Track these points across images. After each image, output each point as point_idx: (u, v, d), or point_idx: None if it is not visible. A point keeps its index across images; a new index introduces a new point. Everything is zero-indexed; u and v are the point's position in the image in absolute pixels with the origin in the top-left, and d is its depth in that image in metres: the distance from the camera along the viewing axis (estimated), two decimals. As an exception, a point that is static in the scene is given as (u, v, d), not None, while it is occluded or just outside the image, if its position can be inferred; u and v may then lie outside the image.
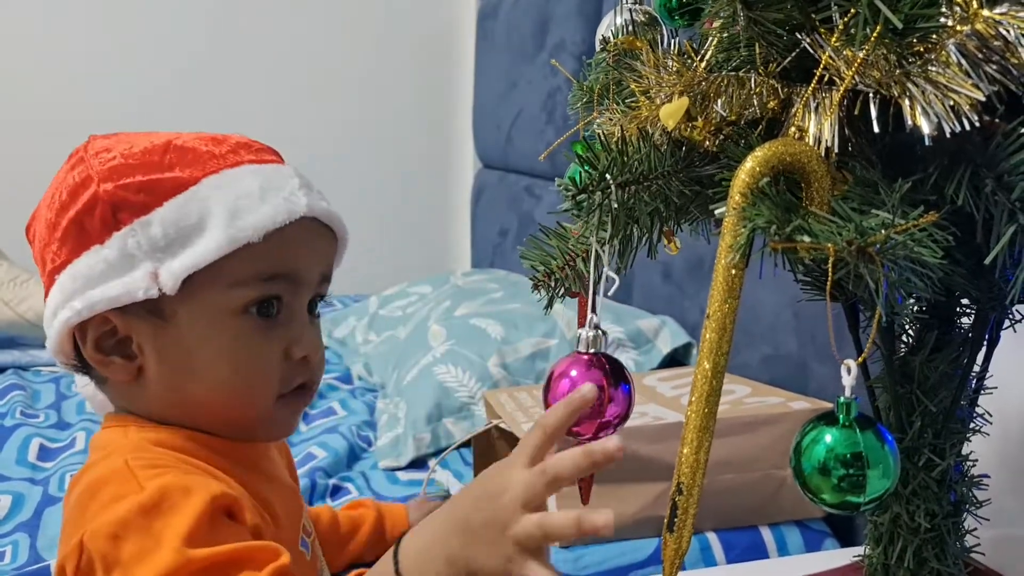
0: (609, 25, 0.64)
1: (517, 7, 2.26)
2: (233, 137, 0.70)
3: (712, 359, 0.45)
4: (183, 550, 0.57)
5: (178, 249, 0.63)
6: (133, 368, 0.66)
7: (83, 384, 0.72)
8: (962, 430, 0.61)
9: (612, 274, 0.61)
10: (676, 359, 1.49)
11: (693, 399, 0.46)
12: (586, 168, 0.55)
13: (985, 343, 0.62)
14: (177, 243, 0.63)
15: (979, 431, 0.63)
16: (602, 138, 0.58)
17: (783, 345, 1.28)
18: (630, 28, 0.63)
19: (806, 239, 0.41)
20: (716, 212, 0.45)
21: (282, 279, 0.66)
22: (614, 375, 0.56)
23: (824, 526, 1.12)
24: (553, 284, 0.61)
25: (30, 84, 2.27)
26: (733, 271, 0.44)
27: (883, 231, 0.40)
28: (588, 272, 0.61)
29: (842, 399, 0.45)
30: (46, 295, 0.68)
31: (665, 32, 0.64)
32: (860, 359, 0.44)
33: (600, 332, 0.58)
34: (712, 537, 1.08)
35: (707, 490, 1.10)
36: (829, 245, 0.40)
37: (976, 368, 0.62)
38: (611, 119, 0.59)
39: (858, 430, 0.44)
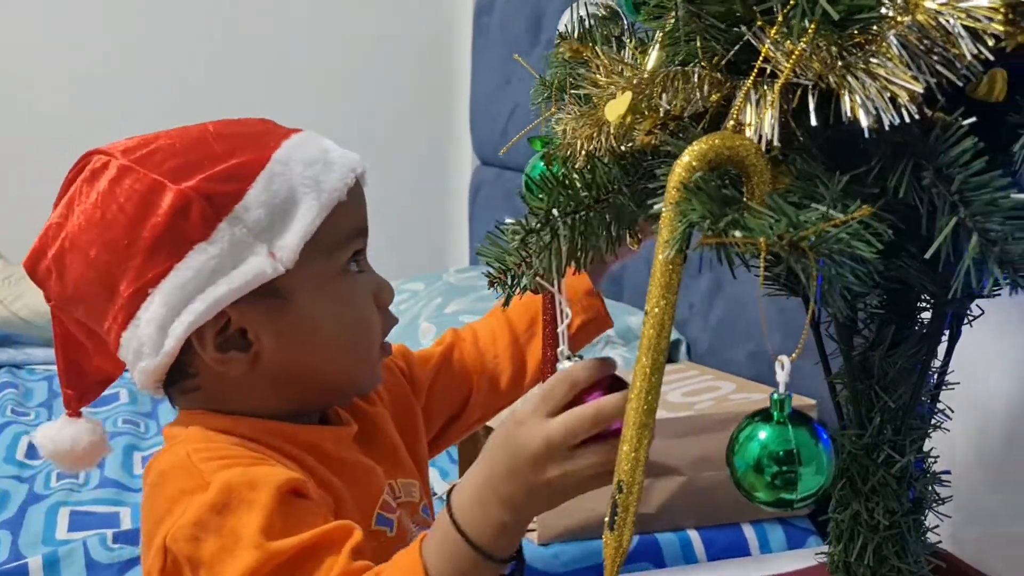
0: (568, 21, 0.64)
1: (511, 2, 2.26)
2: (251, 119, 0.71)
3: (651, 356, 0.45)
4: (263, 545, 0.58)
5: (280, 226, 0.64)
6: (249, 359, 0.67)
7: (56, 433, 0.73)
8: (922, 426, 0.61)
9: (567, 308, 0.64)
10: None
11: (632, 396, 0.46)
12: (534, 204, 0.56)
13: (946, 339, 0.61)
14: (278, 220, 0.64)
15: (940, 427, 0.62)
16: (543, 177, 0.59)
17: (764, 342, 1.27)
18: (588, 23, 0.62)
19: (738, 234, 0.40)
20: (654, 207, 0.45)
21: (362, 233, 0.70)
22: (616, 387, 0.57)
23: (808, 523, 1.12)
24: (510, 282, 0.61)
25: (26, 87, 2.28)
26: (671, 266, 0.44)
27: (816, 225, 0.40)
28: (551, 280, 0.61)
29: (776, 396, 0.45)
30: (128, 317, 0.64)
31: (626, 25, 0.64)
32: (793, 356, 0.43)
33: (577, 359, 0.60)
34: (693, 535, 1.08)
35: (688, 487, 1.11)
36: (761, 239, 0.40)
37: (938, 363, 0.62)
38: (567, 117, 0.59)
39: (791, 427, 0.44)
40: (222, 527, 0.59)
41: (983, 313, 0.60)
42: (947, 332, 0.61)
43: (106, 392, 1.60)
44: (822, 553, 0.67)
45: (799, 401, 1.12)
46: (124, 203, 0.64)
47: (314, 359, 0.68)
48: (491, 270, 0.61)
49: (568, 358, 0.60)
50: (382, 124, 2.55)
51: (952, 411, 0.63)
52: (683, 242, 0.43)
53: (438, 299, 1.72)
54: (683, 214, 0.42)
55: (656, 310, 0.44)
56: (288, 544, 0.59)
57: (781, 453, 0.44)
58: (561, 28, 0.63)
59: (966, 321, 0.61)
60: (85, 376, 0.75)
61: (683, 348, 1.47)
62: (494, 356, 0.87)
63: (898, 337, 0.60)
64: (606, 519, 0.49)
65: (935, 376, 0.62)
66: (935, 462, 0.62)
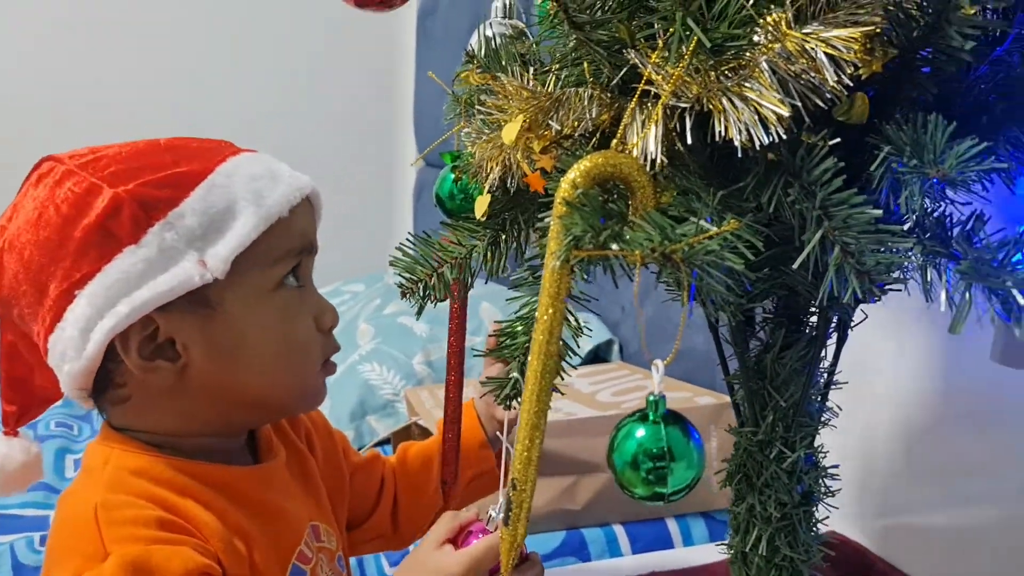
0: (477, 40, 0.66)
1: (454, 5, 2.28)
2: (208, 139, 0.71)
3: (540, 359, 0.47)
4: None
5: (215, 235, 0.64)
6: (177, 369, 0.66)
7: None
8: (811, 423, 0.65)
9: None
10: (599, 355, 1.52)
11: (524, 398, 0.48)
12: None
13: (834, 342, 0.65)
14: (212, 230, 0.64)
15: (828, 424, 0.66)
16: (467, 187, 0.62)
17: (690, 340, 1.31)
18: (495, 43, 0.65)
19: (615, 246, 0.43)
20: (543, 220, 0.47)
21: (304, 252, 0.69)
22: None
23: (728, 516, 1.16)
24: (422, 291, 0.63)
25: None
26: (558, 276, 0.46)
27: (687, 238, 0.43)
28: (462, 276, 0.63)
29: (650, 398, 0.48)
30: (55, 319, 0.64)
31: (533, 44, 0.66)
32: (668, 360, 0.46)
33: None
34: (619, 530, 1.11)
35: (612, 484, 1.13)
36: (636, 252, 0.43)
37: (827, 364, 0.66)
38: (473, 137, 0.61)
39: (664, 426, 0.47)
40: None
41: (866, 317, 0.64)
42: (835, 335, 0.65)
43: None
44: (723, 544, 0.70)
45: (718, 399, 1.17)
46: (60, 204, 0.64)
47: (244, 373, 0.68)
48: (403, 280, 0.63)
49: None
50: (327, 126, 2.56)
51: (840, 409, 0.67)
52: (568, 253, 0.45)
53: (377, 300, 1.73)
54: (567, 228, 0.44)
55: (545, 317, 0.47)
56: None
57: (655, 450, 0.47)
58: (469, 47, 0.65)
59: (852, 325, 0.65)
60: (30, 393, 0.73)
61: (616, 348, 1.51)
62: (423, 472, 0.88)
63: (789, 340, 0.64)
64: (501, 515, 0.52)
65: (824, 376, 0.66)
66: (825, 457, 0.66)
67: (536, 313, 0.47)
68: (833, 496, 0.67)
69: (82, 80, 2.33)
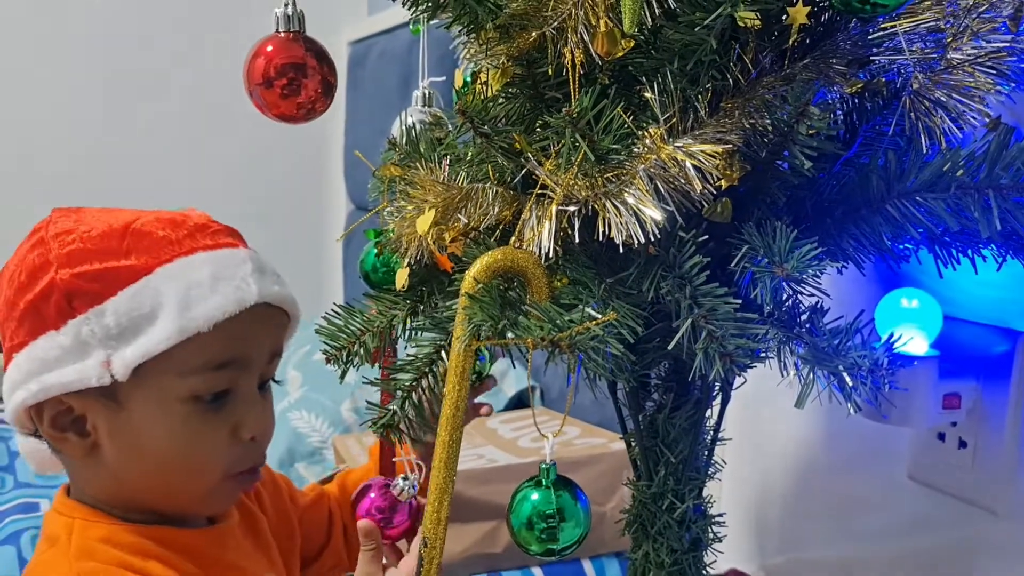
0: (399, 128, 0.73)
1: (382, 59, 2.35)
2: (193, 217, 0.71)
3: (448, 431, 0.53)
4: None
5: (130, 337, 0.64)
6: (87, 445, 0.68)
7: (24, 442, 0.73)
8: (698, 476, 0.72)
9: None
10: (522, 400, 1.58)
11: (435, 464, 0.54)
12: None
13: (719, 402, 0.73)
14: (129, 332, 0.64)
15: (714, 477, 0.73)
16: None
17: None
18: (415, 132, 0.71)
19: (510, 335, 0.50)
20: (450, 308, 0.54)
21: (232, 366, 0.68)
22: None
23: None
24: (344, 357, 0.69)
25: None
26: (462, 357, 0.53)
27: (574, 325, 0.50)
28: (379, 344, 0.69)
29: (543, 465, 0.54)
30: (4, 369, 0.68)
31: (449, 129, 0.73)
32: (556, 433, 0.53)
33: (410, 486, 0.73)
34: (537, 571, 1.17)
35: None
36: (528, 339, 0.49)
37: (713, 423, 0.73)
38: (394, 218, 0.67)
39: (555, 491, 0.53)
40: None
41: (745, 382, 0.72)
42: (719, 395, 0.72)
43: (-38, 446, 1.57)
44: (624, 588, 0.76)
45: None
46: (22, 271, 0.67)
47: (142, 471, 0.69)
48: (328, 348, 0.69)
49: (404, 478, 0.71)
50: (257, 171, 2.59)
51: (725, 462, 0.74)
52: (472, 338, 0.52)
53: (307, 347, 1.77)
54: (469, 318, 0.51)
55: (452, 393, 0.53)
56: None
57: (547, 511, 0.53)
58: (391, 136, 0.71)
59: (733, 387, 0.72)
60: None
61: (538, 394, 1.58)
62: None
63: (678, 402, 0.71)
64: (416, 570, 0.57)
65: (711, 433, 0.73)
66: (712, 506, 0.73)
67: (445, 390, 0.53)
68: (720, 542, 0.74)
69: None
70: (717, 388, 0.71)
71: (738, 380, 0.72)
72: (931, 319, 0.79)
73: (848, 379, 0.49)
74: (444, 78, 0.74)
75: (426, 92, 0.75)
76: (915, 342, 0.79)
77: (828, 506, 1.02)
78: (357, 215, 2.53)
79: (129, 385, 0.66)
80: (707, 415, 0.72)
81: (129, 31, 2.43)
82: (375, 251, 0.73)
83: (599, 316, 0.52)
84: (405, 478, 0.72)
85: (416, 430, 0.65)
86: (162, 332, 0.64)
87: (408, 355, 0.66)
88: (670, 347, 0.55)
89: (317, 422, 1.50)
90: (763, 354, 0.54)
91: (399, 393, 0.61)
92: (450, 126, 0.74)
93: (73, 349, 0.65)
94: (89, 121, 2.40)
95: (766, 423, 1.03)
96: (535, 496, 0.53)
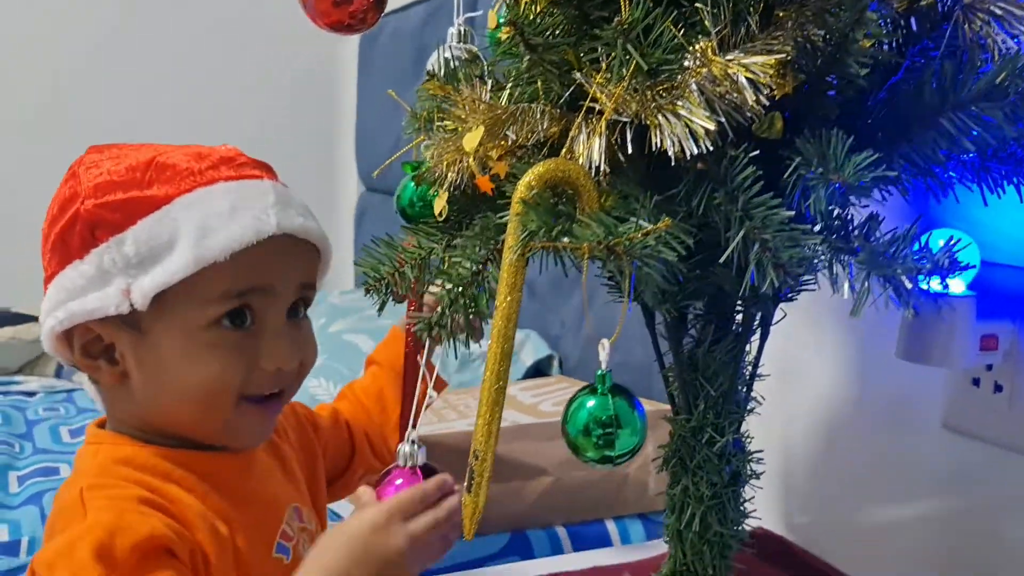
0: (435, 61, 0.72)
1: (394, 38, 2.35)
2: (220, 151, 0.72)
3: (500, 342, 0.53)
4: None
5: (149, 266, 0.65)
6: (118, 373, 0.70)
7: (86, 381, 0.75)
8: (738, 411, 0.72)
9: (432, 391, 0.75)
10: (540, 370, 1.58)
11: (486, 376, 0.54)
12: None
13: (758, 338, 0.72)
14: (148, 261, 0.65)
15: (753, 412, 0.73)
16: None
17: (632, 353, 1.38)
18: (453, 64, 0.71)
19: (566, 240, 0.49)
20: (500, 219, 0.53)
21: (252, 294, 0.68)
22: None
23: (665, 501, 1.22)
24: (384, 289, 0.68)
25: None
26: (514, 267, 0.52)
27: (628, 233, 0.50)
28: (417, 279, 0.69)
29: (599, 372, 0.54)
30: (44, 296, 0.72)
31: (485, 67, 0.73)
32: (612, 339, 0.52)
33: (416, 447, 0.71)
34: (561, 531, 1.17)
35: (557, 487, 1.19)
36: (584, 244, 0.49)
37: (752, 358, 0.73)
38: (434, 144, 0.67)
39: (612, 397, 0.53)
40: (72, 559, 0.61)
41: (785, 316, 0.72)
42: (759, 331, 0.72)
43: (-23, 415, 1.58)
44: (662, 522, 0.76)
45: (655, 406, 1.24)
46: (55, 202, 0.70)
47: (168, 399, 0.70)
48: (367, 279, 0.69)
49: (413, 442, 0.70)
50: (269, 152, 2.58)
51: (764, 398, 0.74)
52: (524, 247, 0.51)
53: (322, 319, 1.77)
54: (523, 225, 0.50)
55: (504, 305, 0.53)
56: None
57: (604, 418, 0.53)
58: (429, 67, 0.71)
59: (773, 322, 0.72)
60: None
61: (556, 363, 1.57)
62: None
63: (717, 336, 0.71)
64: (464, 485, 0.57)
65: (749, 368, 0.73)
66: (751, 442, 0.73)
67: (496, 301, 0.53)
68: (758, 478, 0.74)
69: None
70: (757, 322, 0.71)
71: (777, 314, 0.72)
72: (968, 260, 0.79)
73: (907, 283, 0.48)
74: (480, 12, 0.74)
75: (462, 29, 0.75)
76: (952, 282, 0.79)
77: (859, 460, 1.02)
78: (368, 197, 2.53)
79: (150, 313, 0.67)
80: (746, 350, 0.72)
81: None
82: (412, 184, 0.73)
83: (648, 226, 0.52)
84: (413, 442, 0.71)
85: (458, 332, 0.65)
86: (179, 261, 0.65)
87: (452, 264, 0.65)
88: (721, 260, 0.54)
89: (335, 390, 1.50)
90: (816, 263, 0.54)
91: (446, 297, 0.60)
92: (484, 63, 0.73)
93: (95, 278, 0.67)
94: (108, 95, 2.40)
95: (790, 372, 1.03)
96: (591, 403, 0.53)
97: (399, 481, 0.70)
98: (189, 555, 0.67)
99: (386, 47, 2.38)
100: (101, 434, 0.74)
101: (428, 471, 0.71)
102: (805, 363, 1.03)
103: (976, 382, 0.85)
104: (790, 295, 0.70)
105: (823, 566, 1.03)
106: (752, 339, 0.72)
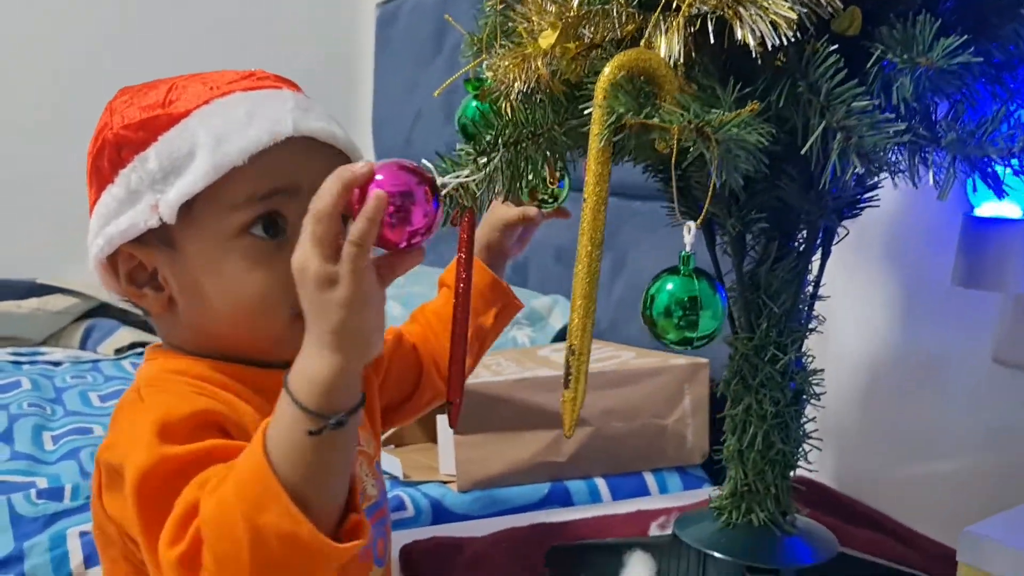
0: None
1: (415, 12, 2.35)
2: (243, 71, 0.72)
3: (590, 234, 0.53)
4: (158, 448, 0.60)
5: (173, 179, 0.66)
6: (164, 299, 0.70)
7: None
8: (800, 329, 0.71)
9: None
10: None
11: (578, 271, 0.54)
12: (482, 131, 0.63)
13: (820, 256, 0.72)
14: (171, 174, 0.66)
15: (816, 331, 0.73)
16: (490, 109, 0.67)
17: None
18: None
19: (656, 119, 0.49)
20: (584, 111, 0.53)
21: (280, 194, 0.67)
22: (430, 185, 0.56)
23: (702, 472, 1.22)
24: (448, 202, 0.68)
25: None
26: (602, 157, 0.52)
27: (718, 115, 0.49)
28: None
29: (682, 253, 0.54)
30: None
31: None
32: (698, 222, 0.52)
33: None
34: (600, 482, 1.16)
35: (596, 437, 1.19)
36: (674, 126, 0.49)
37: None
38: (499, 57, 0.67)
39: (695, 279, 0.53)
40: (132, 434, 0.62)
41: (847, 234, 0.72)
42: (821, 249, 0.72)
43: (7, 380, 1.58)
44: (718, 447, 0.76)
45: (692, 360, 1.24)
46: (95, 131, 0.71)
47: (209, 314, 0.69)
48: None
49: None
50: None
51: (824, 317, 0.74)
52: (611, 135, 0.51)
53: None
54: (610, 109, 0.50)
55: (593, 197, 0.52)
56: (185, 448, 0.60)
57: (686, 299, 0.53)
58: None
59: (835, 241, 0.72)
60: None
61: (585, 326, 1.57)
62: (448, 336, 0.88)
63: (780, 253, 0.71)
64: (562, 379, 0.57)
65: (811, 287, 0.72)
66: (812, 360, 0.73)
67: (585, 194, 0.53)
68: (819, 399, 0.73)
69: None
70: (819, 239, 0.71)
71: (840, 231, 0.72)
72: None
73: (1001, 163, 0.48)
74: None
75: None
76: (1007, 206, 0.79)
77: (906, 399, 1.01)
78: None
79: (181, 228, 0.67)
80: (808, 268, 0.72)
81: None
82: (474, 103, 0.72)
83: (734, 112, 0.52)
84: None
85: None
86: (199, 170, 0.65)
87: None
88: (803, 151, 0.54)
89: (366, 352, 1.50)
90: (897, 156, 0.54)
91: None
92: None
93: (126, 199, 0.67)
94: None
95: (842, 307, 1.02)
96: (671, 286, 0.53)
97: (379, 176, 0.56)
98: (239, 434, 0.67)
99: (406, 23, 2.39)
100: (157, 351, 0.75)
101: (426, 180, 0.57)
102: (851, 300, 1.02)
103: (1030, 312, 0.85)
104: (854, 211, 0.70)
105: (868, 511, 1.03)
106: (813, 259, 0.72)
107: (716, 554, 0.71)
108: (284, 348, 0.70)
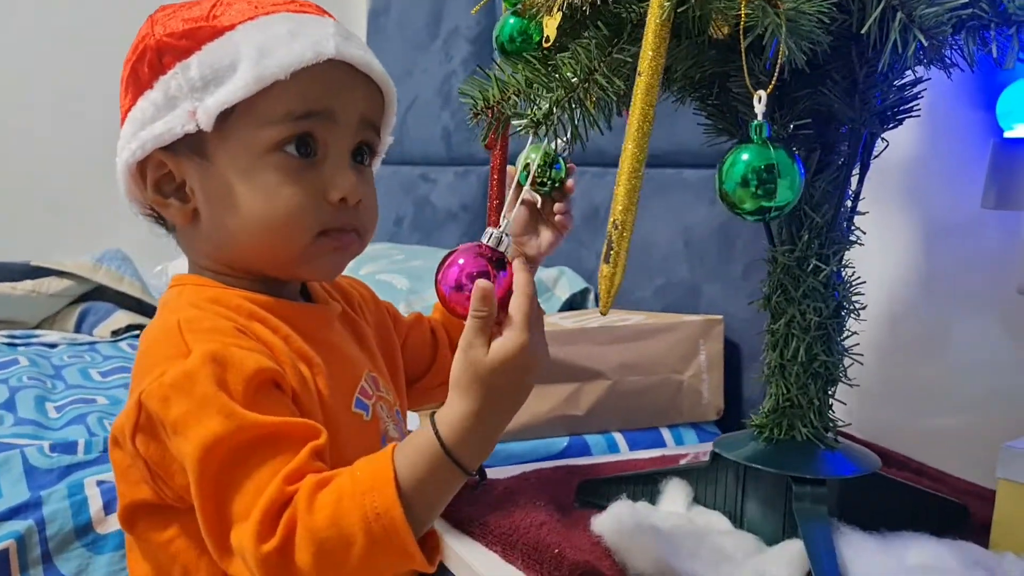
0: None
1: (409, 0, 2.35)
2: None
3: (641, 106, 0.52)
4: (233, 415, 0.60)
5: (213, 88, 0.67)
6: (188, 211, 0.71)
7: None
8: (842, 240, 0.71)
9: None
10: (574, 305, 1.57)
11: (626, 146, 0.53)
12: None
13: (858, 169, 0.72)
14: (212, 83, 0.67)
15: (857, 243, 0.73)
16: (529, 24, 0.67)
17: (675, 273, 1.38)
18: None
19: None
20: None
21: (315, 117, 0.68)
22: (496, 263, 0.63)
23: (716, 429, 1.22)
24: (489, 115, 0.68)
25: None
26: (661, 30, 0.52)
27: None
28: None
29: (754, 123, 0.53)
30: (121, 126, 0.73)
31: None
32: (769, 89, 0.52)
33: (505, 236, 0.64)
34: (618, 436, 1.16)
35: (614, 391, 1.18)
36: (741, -4, 0.49)
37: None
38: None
39: (771, 147, 0.53)
40: (193, 392, 0.61)
41: (888, 145, 0.72)
42: (860, 162, 0.72)
43: (4, 359, 1.55)
44: (761, 360, 0.75)
45: (706, 317, 1.24)
46: (132, 44, 0.71)
47: (235, 224, 0.69)
48: (474, 106, 0.68)
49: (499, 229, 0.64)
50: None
51: (864, 231, 0.73)
52: (672, 9, 0.51)
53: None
54: (673, -19, 0.50)
55: (649, 69, 0.52)
56: (256, 420, 0.61)
57: (763, 167, 0.52)
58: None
59: (874, 156, 0.72)
60: None
61: (591, 296, 1.57)
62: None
63: (822, 164, 0.71)
64: (602, 254, 0.56)
65: (852, 199, 0.73)
66: (854, 273, 0.73)
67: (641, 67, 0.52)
68: (860, 313, 0.73)
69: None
70: (861, 150, 0.71)
71: (879, 145, 0.72)
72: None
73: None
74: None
75: None
76: (1037, 129, 0.80)
77: (931, 332, 1.01)
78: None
79: (216, 138, 0.68)
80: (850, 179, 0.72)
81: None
82: (511, 19, 0.72)
83: (796, -8, 0.52)
84: (499, 228, 0.64)
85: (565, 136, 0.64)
86: (241, 80, 0.66)
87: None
88: (863, 30, 0.54)
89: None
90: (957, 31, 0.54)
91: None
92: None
93: (164, 104, 0.68)
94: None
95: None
96: (746, 155, 0.53)
97: (461, 261, 0.63)
98: (290, 386, 0.67)
99: (400, 9, 2.39)
100: (183, 277, 0.75)
101: (497, 259, 0.63)
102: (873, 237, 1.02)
103: (1056, 240, 0.86)
104: (894, 121, 0.70)
105: (901, 456, 1.03)
106: (854, 173, 0.72)
107: (761, 467, 0.71)
108: (303, 266, 0.73)
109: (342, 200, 0.70)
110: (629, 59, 0.61)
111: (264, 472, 0.60)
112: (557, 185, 0.86)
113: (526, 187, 0.81)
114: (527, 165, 0.79)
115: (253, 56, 0.66)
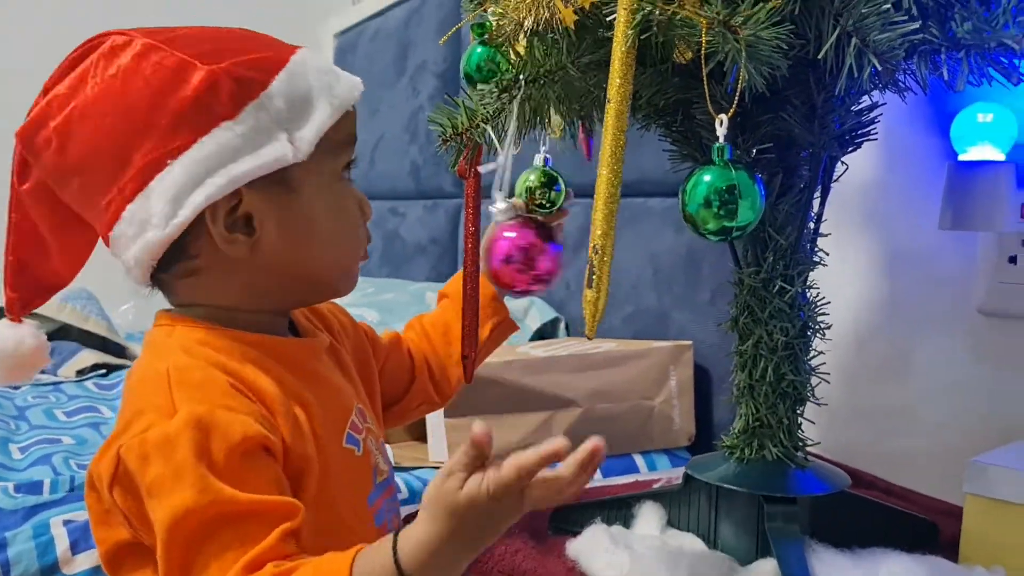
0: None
1: (376, 38, 2.37)
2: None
3: (613, 133, 0.53)
4: (207, 489, 0.59)
5: (300, 119, 0.67)
6: (251, 244, 0.68)
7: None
8: (806, 261, 0.73)
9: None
10: (544, 334, 1.58)
11: (601, 172, 0.54)
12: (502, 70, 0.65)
13: (820, 192, 0.74)
14: (297, 113, 0.67)
15: (821, 264, 0.75)
16: (496, 52, 0.69)
17: (644, 300, 1.39)
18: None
19: (688, 10, 0.51)
20: (609, 19, 0.55)
21: (354, 142, 0.72)
22: (544, 234, 0.65)
23: (688, 455, 1.22)
24: (460, 141, 0.69)
25: None
26: (627, 57, 0.53)
27: (744, 11, 0.51)
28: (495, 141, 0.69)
29: (716, 145, 0.55)
30: (138, 188, 0.65)
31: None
32: (730, 113, 0.54)
33: (511, 202, 0.66)
34: (591, 465, 1.16)
35: (586, 418, 1.19)
36: (703, 19, 0.51)
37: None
38: (504, 4, 0.68)
39: (732, 168, 0.54)
40: (172, 458, 0.60)
41: (848, 168, 0.74)
42: (822, 185, 0.74)
43: (-33, 400, 1.51)
44: (729, 384, 0.76)
45: (676, 343, 1.25)
46: (150, 77, 0.65)
47: (308, 252, 0.70)
48: (441, 132, 0.69)
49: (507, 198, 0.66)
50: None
51: (828, 253, 0.75)
52: (636, 33, 0.53)
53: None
54: (638, 7, 0.52)
55: (617, 96, 0.53)
56: (230, 496, 0.60)
57: (724, 188, 0.53)
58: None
59: (834, 179, 0.74)
60: (35, 279, 0.74)
61: (562, 326, 1.58)
62: (443, 345, 0.91)
63: (784, 187, 0.72)
64: (584, 279, 0.57)
65: (813, 222, 0.74)
66: (818, 293, 0.74)
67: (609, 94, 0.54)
68: (825, 333, 0.74)
69: None
70: (821, 174, 0.73)
71: (839, 168, 0.74)
72: (1006, 132, 0.82)
73: (1017, 49, 0.50)
74: None
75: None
76: (989, 150, 0.82)
77: (893, 352, 1.03)
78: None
79: (301, 168, 0.68)
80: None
81: None
82: (479, 48, 0.73)
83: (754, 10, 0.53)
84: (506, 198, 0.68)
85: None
86: (325, 111, 0.68)
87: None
88: (819, 55, 0.56)
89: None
90: (910, 55, 0.56)
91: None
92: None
93: (253, 135, 0.66)
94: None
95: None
96: (708, 176, 0.54)
97: (512, 234, 0.69)
98: (280, 444, 0.66)
99: (367, 50, 2.41)
100: (173, 317, 0.71)
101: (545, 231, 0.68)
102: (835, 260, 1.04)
103: (1013, 259, 0.88)
104: (850, 147, 0.72)
105: (869, 476, 1.04)
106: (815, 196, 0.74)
107: (733, 487, 0.71)
108: (349, 281, 0.76)
109: (369, 216, 0.76)
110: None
111: (228, 556, 0.59)
112: (551, 207, 0.85)
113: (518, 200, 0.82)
114: (528, 189, 0.79)
115: (323, 87, 0.68)
